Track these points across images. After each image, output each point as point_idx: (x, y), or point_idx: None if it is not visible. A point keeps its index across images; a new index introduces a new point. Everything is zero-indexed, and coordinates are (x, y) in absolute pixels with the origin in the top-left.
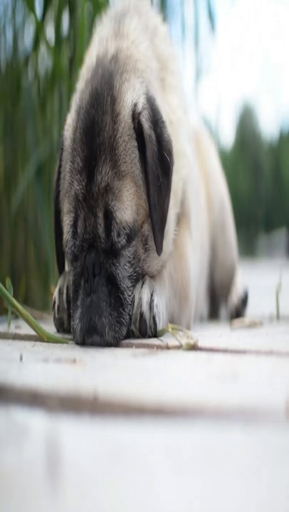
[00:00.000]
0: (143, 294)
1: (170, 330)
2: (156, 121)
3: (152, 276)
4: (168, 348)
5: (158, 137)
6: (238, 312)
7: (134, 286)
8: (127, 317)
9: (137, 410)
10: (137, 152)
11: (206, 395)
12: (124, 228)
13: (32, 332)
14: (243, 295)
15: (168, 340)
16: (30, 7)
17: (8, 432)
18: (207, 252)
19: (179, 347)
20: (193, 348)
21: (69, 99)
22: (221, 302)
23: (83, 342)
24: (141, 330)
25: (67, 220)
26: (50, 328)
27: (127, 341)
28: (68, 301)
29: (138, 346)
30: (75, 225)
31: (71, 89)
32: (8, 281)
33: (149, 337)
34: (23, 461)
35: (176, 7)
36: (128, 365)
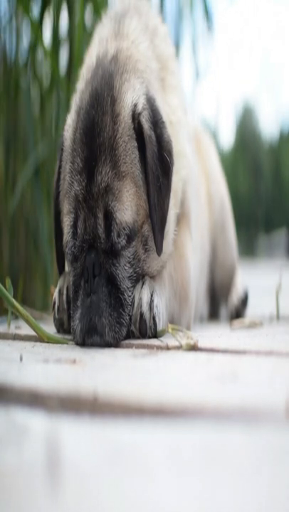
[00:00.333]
0: (143, 295)
1: (170, 330)
2: (157, 122)
3: (152, 277)
4: (168, 348)
5: (158, 138)
6: (238, 312)
7: (134, 286)
8: (127, 317)
9: (137, 410)
10: (137, 153)
11: (206, 395)
12: (124, 229)
13: (32, 332)
14: (243, 295)
15: (168, 340)
16: (26, 10)
17: (8, 432)
18: (207, 253)
19: (179, 347)
20: (193, 348)
21: (67, 100)
22: (221, 302)
23: (83, 342)
24: (141, 330)
25: (67, 221)
26: (50, 328)
27: (127, 342)
28: (68, 302)
29: (138, 347)
30: (75, 226)
31: (69, 91)
32: (8, 281)
33: (149, 337)
34: (23, 461)
35: (174, 8)
36: (128, 366)
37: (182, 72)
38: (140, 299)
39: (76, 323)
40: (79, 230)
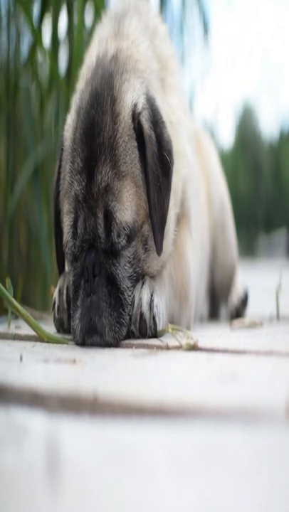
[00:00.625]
0: (143, 295)
1: (170, 330)
2: (156, 122)
3: (152, 277)
4: (168, 348)
5: (158, 137)
6: (238, 312)
7: (134, 286)
8: (127, 317)
9: (137, 410)
10: (137, 152)
11: (206, 395)
12: (124, 229)
13: (32, 332)
14: (243, 295)
15: (168, 340)
16: (26, 10)
17: (8, 432)
18: (207, 252)
19: (179, 347)
20: (193, 348)
21: (66, 100)
22: (221, 302)
23: (83, 342)
24: (141, 330)
25: (67, 221)
26: (50, 328)
27: (127, 342)
28: (68, 302)
29: (138, 347)
30: (75, 226)
31: (69, 91)
32: (8, 281)
33: (149, 337)
34: (23, 461)
35: (174, 10)
36: (128, 366)
37: (182, 73)
38: (140, 299)
39: (76, 323)
40: (79, 230)
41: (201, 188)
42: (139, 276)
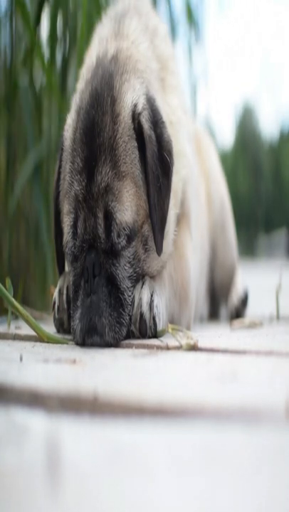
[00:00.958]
0: (143, 295)
1: (170, 330)
2: (156, 122)
3: (152, 277)
4: (168, 348)
5: (158, 138)
6: (238, 312)
7: (134, 286)
8: (127, 317)
9: (137, 410)
10: (137, 152)
11: (206, 395)
12: (124, 229)
13: (32, 332)
14: (243, 295)
15: (168, 340)
16: (23, 13)
17: (8, 432)
18: (207, 252)
19: (179, 347)
20: (193, 348)
21: (61, 103)
22: (221, 302)
23: (83, 342)
24: (141, 330)
25: (67, 221)
26: (50, 328)
27: (127, 342)
28: (68, 302)
29: (138, 347)
30: (75, 226)
31: (65, 93)
32: (8, 281)
33: (149, 337)
34: (23, 461)
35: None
36: (128, 366)
37: (182, 73)
38: (140, 299)
39: (76, 323)
40: (79, 230)
41: (201, 188)
42: (139, 277)
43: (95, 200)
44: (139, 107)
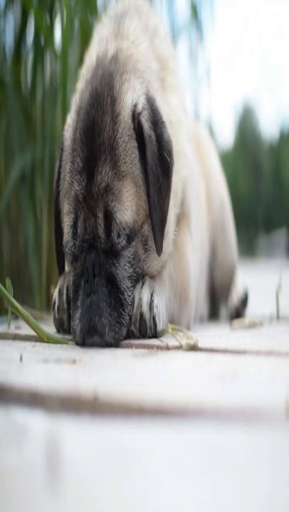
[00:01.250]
0: (143, 295)
1: (170, 330)
2: (156, 122)
3: (152, 277)
4: (168, 348)
5: (158, 137)
6: (238, 312)
7: (134, 286)
8: (127, 317)
9: (137, 410)
10: (137, 152)
11: (206, 395)
12: (124, 229)
13: (32, 332)
14: (243, 295)
15: (168, 340)
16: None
17: (8, 432)
18: (207, 253)
19: (179, 347)
20: (193, 348)
21: (52, 102)
22: (221, 302)
23: (83, 342)
24: (141, 330)
25: (67, 221)
26: (50, 328)
27: (127, 342)
28: (68, 302)
29: (138, 347)
30: (75, 226)
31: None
32: (8, 281)
33: (149, 337)
34: (23, 461)
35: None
36: (128, 366)
37: (182, 73)
38: (140, 299)
39: (76, 323)
40: (79, 230)
41: (201, 188)
42: (139, 277)
43: (95, 200)
44: (139, 107)
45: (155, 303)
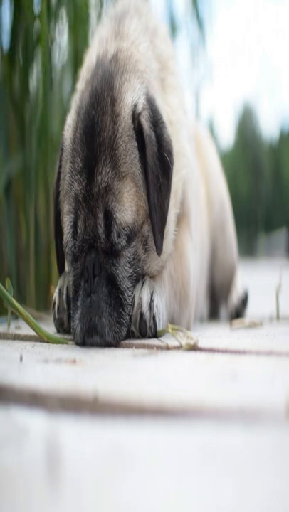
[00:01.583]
0: (143, 295)
1: (170, 330)
2: (156, 122)
3: (152, 277)
4: (168, 348)
5: (158, 138)
6: (238, 312)
7: (134, 286)
8: (127, 317)
9: (137, 410)
10: (137, 153)
11: (206, 395)
12: (124, 229)
13: (32, 332)
14: (243, 295)
15: (168, 340)
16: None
17: (8, 432)
18: (207, 253)
19: (179, 347)
20: (193, 348)
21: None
22: (221, 302)
23: (83, 342)
24: (141, 330)
25: (67, 221)
26: (50, 328)
27: (127, 342)
28: (68, 302)
29: (138, 347)
30: (75, 226)
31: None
32: (8, 281)
33: (149, 337)
34: (23, 461)
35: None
36: (128, 366)
37: (185, 73)
38: (140, 299)
39: (76, 323)
40: (79, 230)
41: (201, 188)
42: (139, 277)
43: (95, 200)
44: (139, 107)
45: (155, 303)
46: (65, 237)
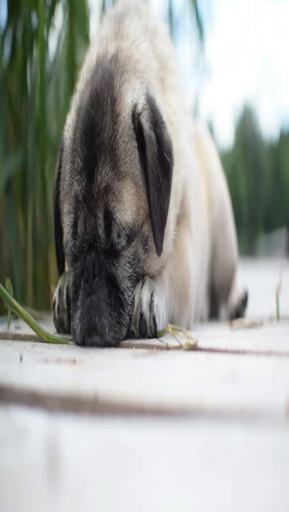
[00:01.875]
0: (143, 295)
1: (170, 330)
2: (156, 122)
3: (152, 277)
4: (168, 348)
5: (158, 138)
6: (238, 312)
7: (134, 286)
8: (127, 317)
9: (137, 410)
10: (137, 153)
11: (206, 395)
12: (124, 229)
13: (32, 332)
14: (243, 295)
15: (168, 340)
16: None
17: (8, 432)
18: (207, 253)
19: (179, 347)
20: (193, 348)
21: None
22: (221, 302)
23: (83, 342)
24: (141, 330)
25: (67, 221)
26: (49, 328)
27: (127, 342)
28: (68, 302)
29: (138, 347)
30: (75, 226)
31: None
32: (8, 281)
33: (149, 337)
34: (23, 461)
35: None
36: (128, 366)
37: (182, 73)
38: (140, 299)
39: (76, 323)
40: (79, 230)
41: (201, 188)
42: (139, 277)
43: (95, 200)
44: (139, 107)
45: (155, 303)
46: (65, 237)
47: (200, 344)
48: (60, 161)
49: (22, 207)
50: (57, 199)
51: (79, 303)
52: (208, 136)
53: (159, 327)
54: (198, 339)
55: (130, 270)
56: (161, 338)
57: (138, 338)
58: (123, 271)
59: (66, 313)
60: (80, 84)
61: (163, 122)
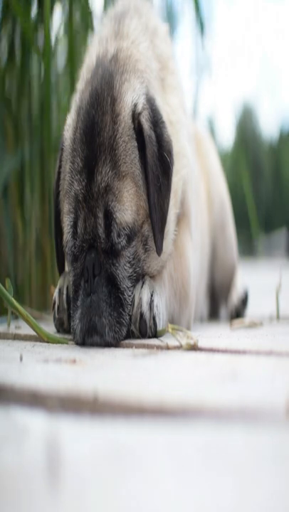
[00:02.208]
0: (143, 295)
1: (170, 330)
2: (156, 122)
3: (152, 277)
4: (168, 348)
5: (158, 137)
6: (238, 312)
7: (134, 286)
8: (127, 317)
9: (137, 410)
10: (137, 152)
11: (206, 395)
12: (124, 229)
13: (32, 332)
14: (243, 295)
15: (168, 340)
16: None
17: (8, 431)
18: (207, 252)
19: (179, 347)
20: (193, 348)
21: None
22: (221, 302)
23: (83, 342)
24: (141, 330)
25: (67, 221)
26: (49, 328)
27: (127, 341)
28: (68, 302)
29: (138, 346)
30: (75, 226)
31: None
32: (8, 281)
33: (149, 337)
34: (23, 461)
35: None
36: (128, 366)
37: (182, 73)
38: (140, 299)
39: (76, 323)
40: (79, 230)
41: (201, 188)
42: (139, 276)
43: (95, 200)
44: (139, 107)
45: (155, 303)
46: (65, 236)
47: (200, 344)
48: (60, 160)
49: (21, 207)
50: (57, 199)
51: (79, 303)
52: (208, 136)
53: (159, 327)
54: (198, 339)
55: (130, 270)
56: (161, 338)
57: (138, 338)
58: (123, 271)
59: (66, 313)
60: (80, 84)
61: (163, 122)
